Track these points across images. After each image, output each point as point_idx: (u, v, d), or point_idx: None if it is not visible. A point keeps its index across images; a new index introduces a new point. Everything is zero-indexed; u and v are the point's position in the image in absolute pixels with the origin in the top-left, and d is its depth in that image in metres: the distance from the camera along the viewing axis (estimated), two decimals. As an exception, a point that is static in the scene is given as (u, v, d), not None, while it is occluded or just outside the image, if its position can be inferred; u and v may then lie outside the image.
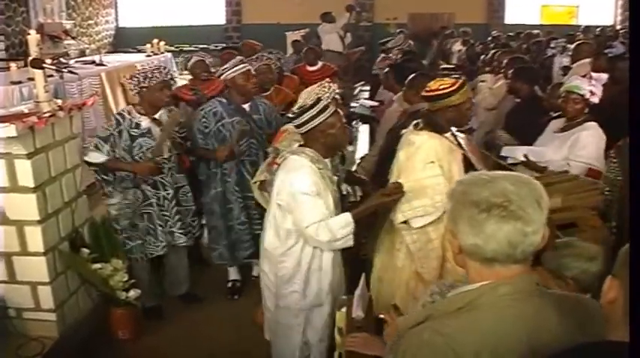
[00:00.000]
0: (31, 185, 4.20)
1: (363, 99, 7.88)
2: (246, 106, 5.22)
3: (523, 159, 4.91)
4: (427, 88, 4.02)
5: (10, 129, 3.91)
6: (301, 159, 3.69)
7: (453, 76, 9.77)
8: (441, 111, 3.94)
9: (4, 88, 7.36)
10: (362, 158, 6.19)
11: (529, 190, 1.71)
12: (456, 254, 1.82)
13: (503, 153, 5.26)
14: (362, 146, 7.40)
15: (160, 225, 4.99)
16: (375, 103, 7.38)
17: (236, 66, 5.13)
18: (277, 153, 4.06)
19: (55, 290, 4.46)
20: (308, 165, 3.66)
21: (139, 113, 4.81)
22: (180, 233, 5.08)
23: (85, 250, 4.68)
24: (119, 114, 4.86)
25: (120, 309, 4.84)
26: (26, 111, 4.31)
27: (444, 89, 3.92)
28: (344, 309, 3.21)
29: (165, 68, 4.92)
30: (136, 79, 4.72)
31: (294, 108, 3.93)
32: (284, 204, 3.71)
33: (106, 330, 4.88)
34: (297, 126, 3.77)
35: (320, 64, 8.87)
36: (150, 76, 4.69)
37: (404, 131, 4.18)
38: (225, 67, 5.24)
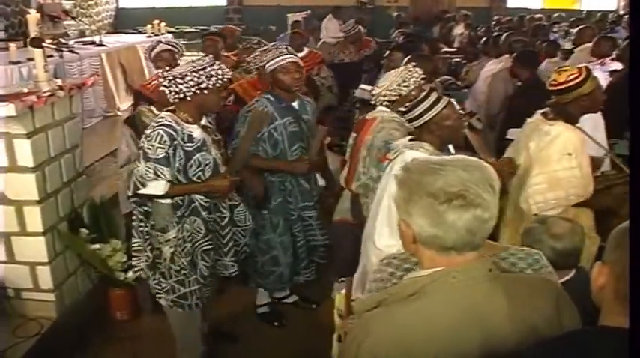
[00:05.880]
0: (31, 165, 4.18)
1: (362, 83, 7.80)
2: (295, 104, 4.56)
3: None
4: (553, 81, 3.92)
5: (9, 109, 3.89)
6: (420, 154, 3.40)
7: (454, 59, 9.71)
8: (572, 102, 3.88)
9: (4, 67, 7.31)
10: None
11: (481, 174, 1.69)
12: (409, 243, 1.78)
13: (509, 136, 5.25)
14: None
15: (218, 257, 4.09)
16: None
17: (276, 57, 4.43)
18: (388, 149, 3.78)
19: (54, 270, 4.46)
20: None
21: (187, 121, 3.75)
22: (232, 261, 4.15)
23: (84, 230, 4.68)
24: (167, 125, 3.66)
25: (118, 290, 4.85)
26: (26, 90, 4.28)
27: (573, 79, 3.84)
28: (343, 291, 3.20)
29: (220, 64, 3.83)
30: (192, 79, 3.62)
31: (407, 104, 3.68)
32: None
33: (105, 311, 4.89)
34: (411, 120, 3.55)
35: (306, 50, 8.26)
36: (213, 74, 3.66)
37: (529, 120, 4.14)
38: (268, 58, 4.50)
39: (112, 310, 4.91)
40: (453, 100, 3.61)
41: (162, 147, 3.63)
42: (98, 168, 6.63)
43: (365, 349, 1.71)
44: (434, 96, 3.52)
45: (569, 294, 1.86)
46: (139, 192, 3.71)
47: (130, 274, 4.70)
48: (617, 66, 4.58)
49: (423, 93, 3.58)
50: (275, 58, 4.43)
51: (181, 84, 3.61)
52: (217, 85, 3.68)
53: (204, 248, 3.92)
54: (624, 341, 1.32)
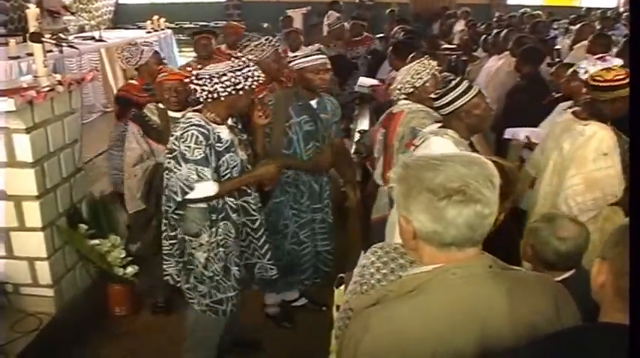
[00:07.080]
0: (30, 160, 4.18)
1: (361, 77, 7.76)
2: (313, 103, 4.48)
3: (525, 140, 4.89)
4: (598, 77, 3.85)
5: (8, 104, 3.89)
6: (444, 140, 3.45)
7: (453, 55, 9.72)
8: (610, 102, 3.80)
9: (3, 62, 7.30)
10: (362, 134, 6.17)
11: (481, 170, 1.68)
12: (409, 239, 1.76)
13: (506, 135, 5.23)
14: (363, 125, 7.34)
15: (256, 260, 4.06)
16: (375, 82, 7.29)
17: (308, 56, 4.36)
18: (415, 135, 3.80)
19: (53, 265, 4.46)
20: (453, 148, 3.39)
21: (214, 122, 3.70)
22: (270, 264, 4.06)
23: (83, 226, 4.68)
24: (198, 125, 3.61)
25: (117, 286, 4.84)
26: (25, 85, 4.28)
27: (619, 80, 3.76)
28: (342, 287, 3.19)
29: (255, 66, 3.76)
30: (229, 79, 3.57)
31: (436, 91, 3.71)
32: None
33: (104, 307, 4.89)
34: (440, 107, 3.57)
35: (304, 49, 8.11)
36: (250, 75, 3.61)
37: (559, 120, 4.09)
38: (295, 54, 4.57)
39: (111, 306, 4.91)
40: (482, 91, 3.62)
41: (199, 148, 3.57)
42: (97, 163, 6.62)
43: (363, 346, 1.70)
44: (465, 84, 3.54)
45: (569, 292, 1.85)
46: (189, 196, 3.62)
47: (129, 270, 4.71)
48: (619, 62, 4.55)
49: (454, 82, 3.59)
50: (306, 56, 4.37)
51: (217, 83, 3.56)
52: (253, 86, 3.65)
53: (235, 252, 3.87)
54: (625, 338, 1.31)
